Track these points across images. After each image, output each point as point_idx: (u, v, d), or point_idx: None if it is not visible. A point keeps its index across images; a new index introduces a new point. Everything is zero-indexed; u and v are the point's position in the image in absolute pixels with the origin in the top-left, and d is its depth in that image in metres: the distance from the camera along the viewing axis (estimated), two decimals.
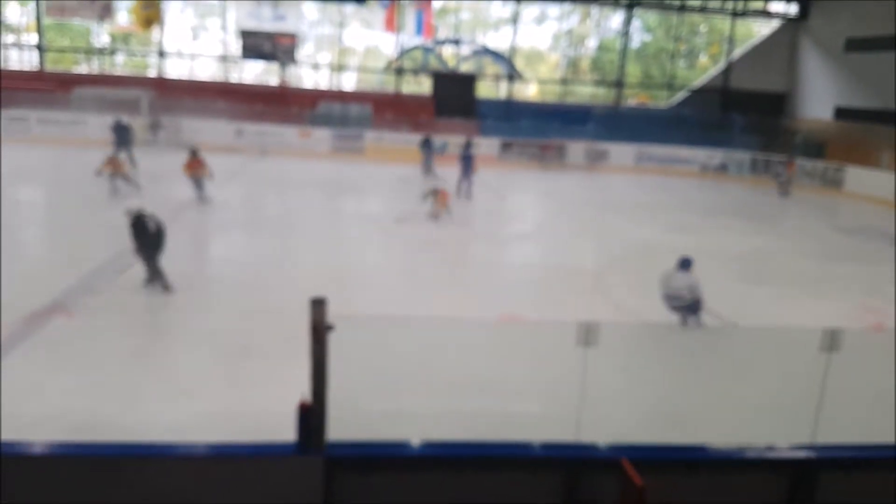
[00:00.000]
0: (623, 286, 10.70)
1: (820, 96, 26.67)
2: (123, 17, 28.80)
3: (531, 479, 4.07)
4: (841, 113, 25.25)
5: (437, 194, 14.10)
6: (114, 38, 31.89)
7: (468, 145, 18.56)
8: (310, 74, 31.21)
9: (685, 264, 8.32)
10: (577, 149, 25.05)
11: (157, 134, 22.05)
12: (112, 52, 31.38)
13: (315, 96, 26.75)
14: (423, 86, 29.57)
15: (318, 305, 3.18)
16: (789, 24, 28.39)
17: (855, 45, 24.65)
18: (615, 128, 26.17)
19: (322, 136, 24.06)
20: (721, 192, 21.98)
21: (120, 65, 31.72)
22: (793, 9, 28.47)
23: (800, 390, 4.20)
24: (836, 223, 17.46)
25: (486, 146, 23.90)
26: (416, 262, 11.87)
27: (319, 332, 3.21)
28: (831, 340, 3.89)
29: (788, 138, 25.53)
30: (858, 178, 21.72)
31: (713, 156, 25.16)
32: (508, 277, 11.07)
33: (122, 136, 17.98)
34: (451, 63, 31.35)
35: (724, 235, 14.78)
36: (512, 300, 9.39)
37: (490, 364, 6.08)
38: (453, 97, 27.13)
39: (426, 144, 21.16)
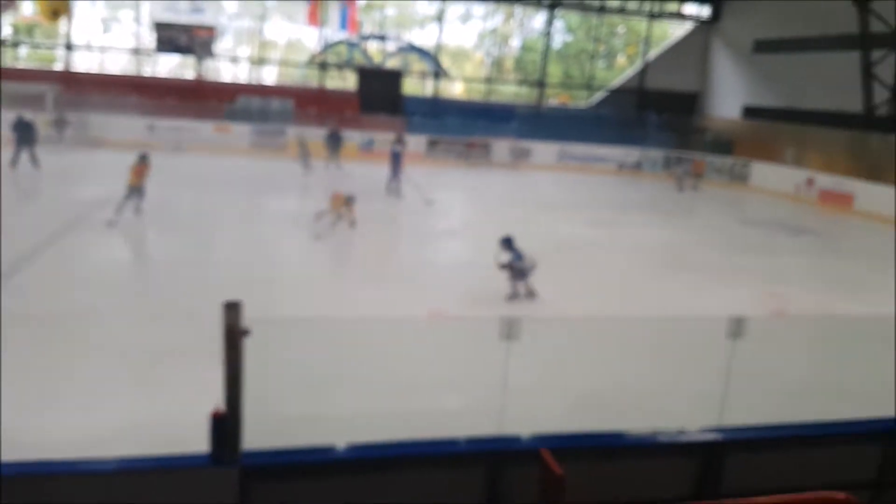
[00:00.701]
0: (546, 281, 10.93)
1: (730, 95, 27.95)
2: (28, 7, 27.12)
3: (455, 475, 4.09)
4: (749, 112, 26.57)
5: (347, 203, 12.76)
6: (17, 29, 29.97)
7: (398, 142, 18.44)
8: (228, 68, 30.33)
9: (511, 240, 9.63)
10: (501, 147, 25.43)
11: (63, 131, 20.83)
12: (15, 44, 29.48)
13: (233, 90, 26.03)
14: (347, 81, 29.23)
15: (231, 309, 3.08)
16: (702, 25, 29.54)
17: (763, 46, 25.95)
18: (538, 127, 26.69)
19: (241, 131, 23.42)
20: (637, 188, 22.78)
21: (23, 58, 29.88)
22: (705, 11, 29.57)
23: (708, 375, 4.40)
24: (743, 216, 18.42)
25: (414, 143, 23.87)
26: (341, 262, 11.75)
27: (233, 337, 3.11)
28: (736, 327, 4.09)
29: (700, 136, 26.72)
30: (763, 173, 22.97)
31: (629, 154, 26.02)
32: (436, 275, 11.11)
33: (25, 133, 16.90)
34: (377, 59, 31.12)
35: (639, 230, 15.34)
36: (439, 297, 9.41)
37: (417, 362, 6.08)
38: (379, 93, 26.92)
39: (333, 138, 20.86)
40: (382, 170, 17.51)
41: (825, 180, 20.50)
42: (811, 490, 4.51)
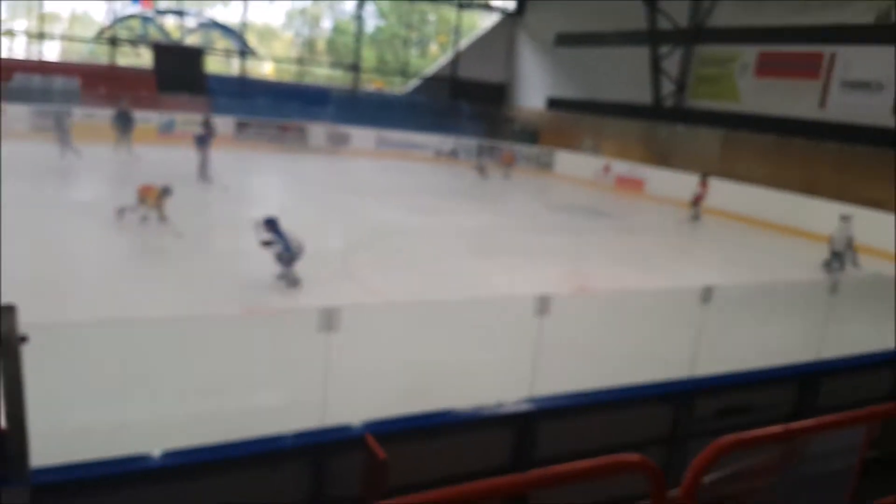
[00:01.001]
0: (369, 267, 10.98)
1: (534, 87, 29.67)
2: None
3: (279, 472, 3.96)
4: (552, 103, 28.47)
5: (162, 195, 11.50)
6: None
7: (206, 124, 17.31)
8: (3, 43, 26.59)
9: (275, 221, 9.43)
10: (318, 131, 24.94)
11: None
12: None
13: (9, 67, 22.85)
14: (142, 58, 26.94)
15: (6, 313, 2.70)
16: (508, 17, 30.91)
17: (563, 40, 27.81)
18: (354, 112, 26.51)
19: (18, 113, 20.61)
20: (453, 175, 23.55)
21: None
22: (511, 3, 30.93)
23: (520, 350, 4.66)
24: (549, 202, 19.78)
25: (222, 126, 22.57)
26: (142, 257, 10.83)
27: (10, 345, 2.73)
28: (543, 305, 4.36)
29: (508, 126, 28.21)
30: (566, 161, 24.84)
31: (445, 142, 26.81)
32: (252, 266, 10.64)
33: None
34: (175, 35, 29.01)
35: (456, 216, 15.92)
36: (256, 290, 9.05)
37: (232, 360, 5.77)
38: (179, 71, 25.09)
39: (121, 119, 19.10)
40: (183, 154, 16.40)
41: (620, 167, 22.64)
42: (613, 449, 4.98)
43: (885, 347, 6.27)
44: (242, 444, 3.86)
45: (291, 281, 9.28)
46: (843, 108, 17.71)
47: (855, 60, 17.47)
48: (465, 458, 4.51)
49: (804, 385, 5.78)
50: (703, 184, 17.44)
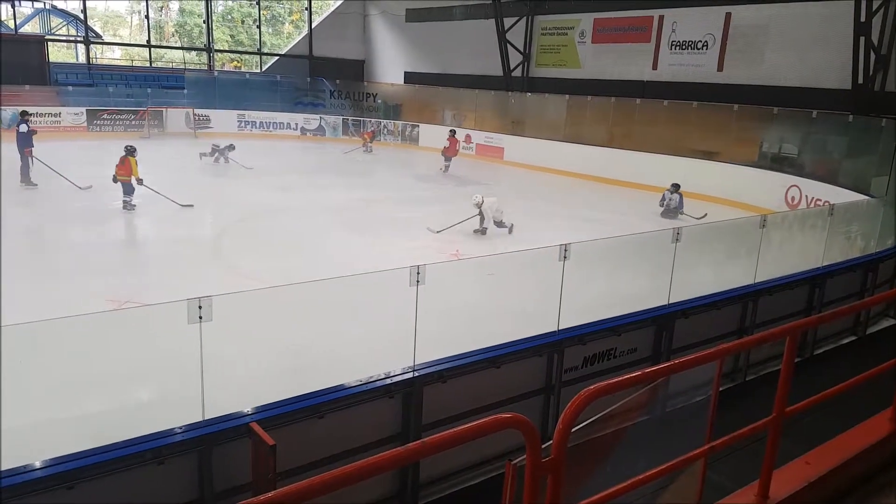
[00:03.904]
0: (242, 251, 10.71)
1: (391, 63, 29.59)
2: None
3: (166, 468, 3.88)
4: (410, 77, 28.55)
5: None
6: None
7: (23, 115, 15.65)
8: None
9: None
10: (177, 115, 24.13)
11: None
12: None
13: None
14: None
15: None
16: None
17: (414, 16, 27.89)
18: (212, 93, 25.72)
19: None
20: (321, 152, 23.18)
21: None
22: None
23: (401, 320, 4.78)
24: (416, 173, 19.97)
25: (73, 116, 21.91)
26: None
27: None
28: (417, 275, 4.51)
29: (372, 101, 28.06)
30: (429, 133, 25.14)
31: (310, 119, 26.34)
32: (118, 259, 10.03)
33: None
34: (11, 24, 26.53)
35: (327, 192, 15.73)
36: (127, 284, 8.54)
37: (106, 359, 5.44)
38: (19, 62, 23.18)
39: None
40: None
41: (480, 136, 23.28)
42: (498, 405, 5.27)
43: (727, 286, 6.97)
44: (125, 445, 3.74)
45: None
46: (674, 67, 19.12)
47: (681, 22, 18.86)
48: (354, 432, 4.60)
49: (660, 327, 6.34)
50: (451, 139, 19.61)
